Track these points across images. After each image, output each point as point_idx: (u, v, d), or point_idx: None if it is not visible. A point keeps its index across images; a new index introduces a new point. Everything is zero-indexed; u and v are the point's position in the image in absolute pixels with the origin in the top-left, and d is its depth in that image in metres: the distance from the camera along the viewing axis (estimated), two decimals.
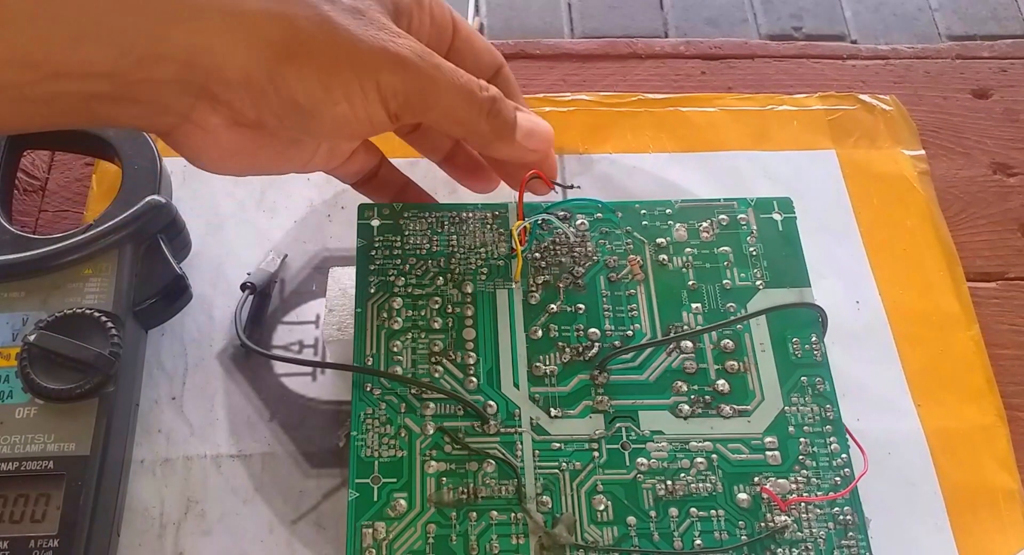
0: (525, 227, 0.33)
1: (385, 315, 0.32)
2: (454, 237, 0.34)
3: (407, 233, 0.34)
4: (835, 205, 0.42)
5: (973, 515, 0.35)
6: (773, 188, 0.42)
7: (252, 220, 0.41)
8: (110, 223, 0.35)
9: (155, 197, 0.36)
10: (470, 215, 0.35)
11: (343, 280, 0.36)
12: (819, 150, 0.44)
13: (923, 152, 0.44)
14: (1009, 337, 0.40)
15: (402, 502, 0.29)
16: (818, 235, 0.40)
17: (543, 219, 0.34)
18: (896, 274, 0.41)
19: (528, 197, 0.35)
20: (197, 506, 0.34)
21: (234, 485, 0.35)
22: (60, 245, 0.35)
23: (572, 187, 0.40)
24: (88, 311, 0.33)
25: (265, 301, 0.38)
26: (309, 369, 0.37)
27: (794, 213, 0.35)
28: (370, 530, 0.29)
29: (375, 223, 0.34)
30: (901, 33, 1.00)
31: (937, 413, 0.37)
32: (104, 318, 0.33)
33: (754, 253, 0.34)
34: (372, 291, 0.33)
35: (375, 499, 0.29)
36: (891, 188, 0.43)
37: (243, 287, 0.37)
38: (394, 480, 0.30)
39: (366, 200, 0.36)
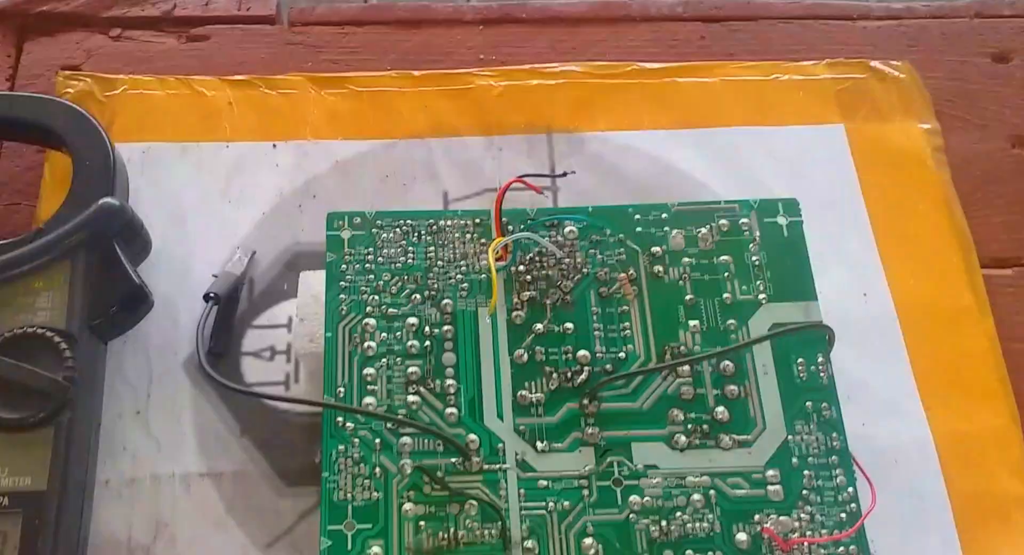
0: (507, 245, 0.30)
1: (358, 339, 0.30)
2: (431, 248, 0.32)
3: (379, 244, 0.32)
4: (842, 186, 0.40)
5: (982, 526, 0.33)
6: (776, 168, 0.40)
7: (217, 212, 0.38)
8: (61, 231, 0.32)
9: (108, 200, 0.33)
10: (448, 223, 0.32)
11: (315, 285, 0.33)
12: (826, 124, 0.41)
13: (938, 125, 0.41)
14: None
15: (377, 550, 0.27)
16: (824, 220, 0.37)
17: (526, 238, 0.31)
18: (906, 263, 0.38)
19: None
20: (167, 530, 0.32)
21: (204, 507, 0.33)
22: (8, 256, 0.32)
23: (565, 174, 0.38)
24: (40, 330, 0.31)
25: (233, 305, 0.36)
26: (282, 378, 0.35)
27: (800, 216, 0.32)
28: None
29: (346, 235, 0.31)
30: None
31: (947, 416, 0.35)
32: (57, 338, 0.31)
33: (757, 262, 0.32)
34: (343, 312, 0.30)
35: (348, 547, 0.27)
36: (903, 167, 0.40)
37: (206, 297, 0.34)
38: (369, 526, 0.28)
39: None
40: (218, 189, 0.38)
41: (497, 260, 0.31)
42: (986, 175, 0.41)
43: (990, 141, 0.42)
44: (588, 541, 0.28)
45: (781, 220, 0.32)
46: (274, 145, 0.39)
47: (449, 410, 0.29)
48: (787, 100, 0.42)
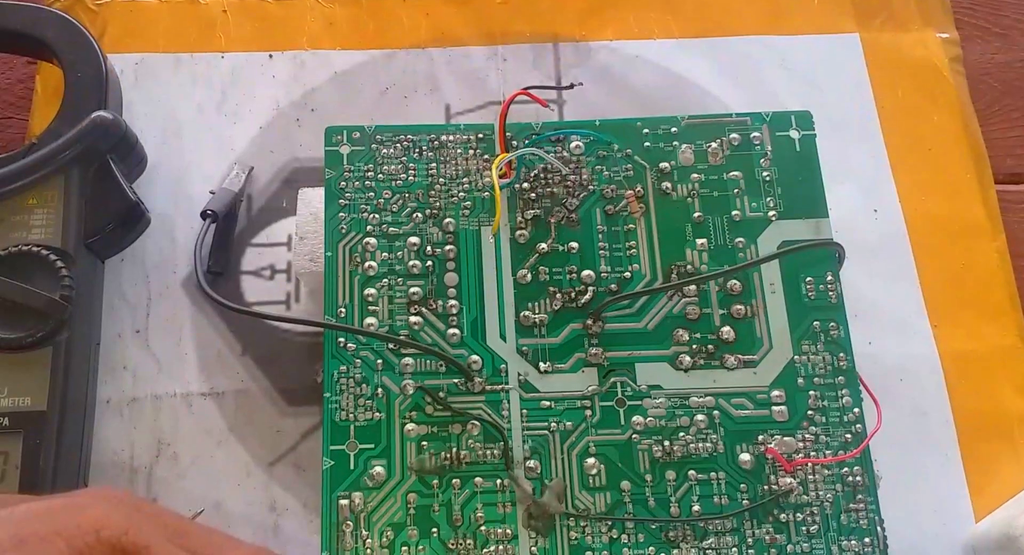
0: (511, 162, 0.30)
1: (359, 258, 0.29)
2: (433, 165, 0.31)
3: (379, 160, 0.31)
4: (856, 98, 0.38)
5: (985, 444, 0.33)
6: (789, 79, 0.38)
7: (213, 126, 0.37)
8: (54, 146, 0.32)
9: (101, 113, 0.32)
10: (451, 138, 0.31)
11: (314, 202, 0.32)
12: (841, 34, 0.40)
13: (956, 35, 0.40)
14: None
15: (380, 470, 0.27)
16: (836, 134, 0.36)
17: (530, 153, 0.30)
18: (919, 178, 0.37)
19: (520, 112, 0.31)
20: (169, 449, 0.32)
21: (207, 426, 0.33)
22: (0, 171, 0.31)
23: (571, 86, 0.36)
24: (35, 248, 0.30)
25: (231, 222, 0.35)
26: (282, 297, 0.34)
27: (813, 130, 0.31)
28: (347, 501, 0.27)
29: (344, 150, 0.31)
30: None
31: (954, 334, 0.35)
32: (53, 256, 0.30)
33: (767, 178, 0.31)
34: (343, 230, 0.30)
35: (351, 467, 0.27)
36: (919, 77, 0.39)
37: (203, 215, 0.34)
38: (371, 446, 0.28)
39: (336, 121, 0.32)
40: (214, 102, 0.37)
41: (501, 177, 0.30)
42: (1004, 87, 0.39)
43: (1010, 51, 0.40)
44: (591, 461, 0.28)
45: (794, 134, 0.31)
46: (270, 55, 0.38)
47: (451, 331, 0.29)
48: (802, 8, 0.40)
